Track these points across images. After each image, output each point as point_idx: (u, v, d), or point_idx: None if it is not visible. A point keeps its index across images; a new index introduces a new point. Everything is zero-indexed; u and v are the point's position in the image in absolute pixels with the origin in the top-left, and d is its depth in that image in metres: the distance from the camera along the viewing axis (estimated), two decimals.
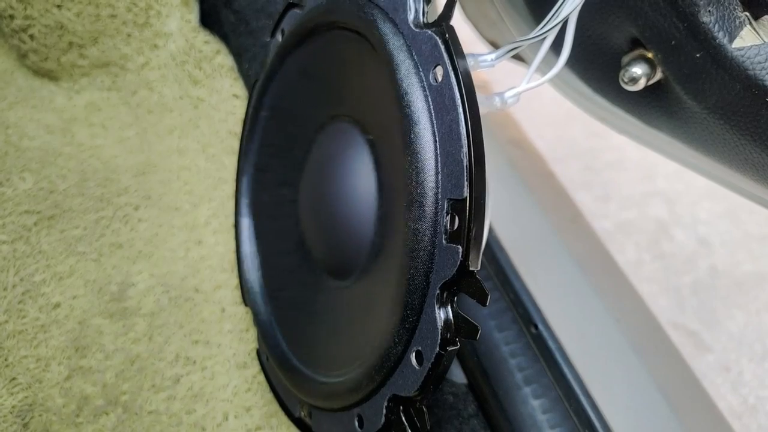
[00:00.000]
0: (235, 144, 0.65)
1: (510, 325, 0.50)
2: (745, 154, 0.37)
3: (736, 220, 1.14)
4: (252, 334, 0.56)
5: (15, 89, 0.69)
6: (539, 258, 0.57)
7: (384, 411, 0.35)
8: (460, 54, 0.32)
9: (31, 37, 0.67)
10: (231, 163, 0.65)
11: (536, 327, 0.51)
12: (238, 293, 0.58)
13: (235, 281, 0.59)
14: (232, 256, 0.60)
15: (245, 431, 0.51)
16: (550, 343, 0.49)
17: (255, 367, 0.55)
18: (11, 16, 0.66)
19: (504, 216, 0.59)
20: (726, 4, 0.33)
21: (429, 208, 0.32)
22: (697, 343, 1.00)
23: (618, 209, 1.16)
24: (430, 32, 0.33)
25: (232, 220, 0.62)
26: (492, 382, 0.48)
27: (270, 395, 0.52)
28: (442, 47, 0.32)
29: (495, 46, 0.65)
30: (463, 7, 0.65)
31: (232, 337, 0.56)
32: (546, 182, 0.68)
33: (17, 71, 0.71)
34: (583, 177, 1.20)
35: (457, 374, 0.52)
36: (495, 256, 0.54)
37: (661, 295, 1.05)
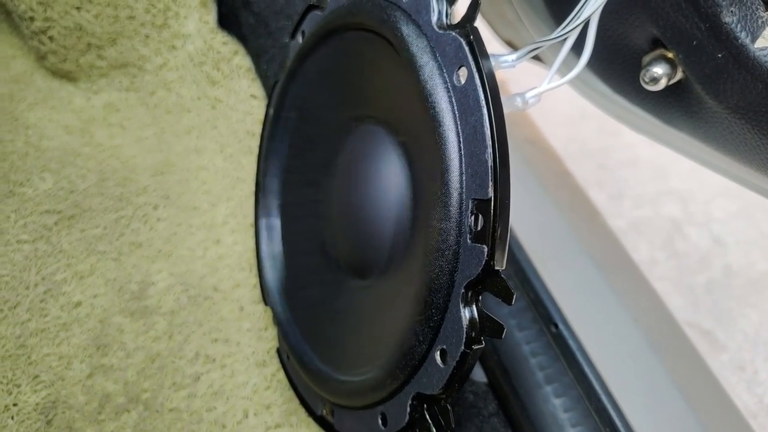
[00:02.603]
0: (253, 144, 0.66)
1: (530, 324, 0.51)
2: (767, 153, 0.37)
3: (751, 218, 1.13)
4: (270, 333, 0.57)
5: (34, 90, 0.70)
6: (558, 257, 0.57)
7: (408, 409, 0.36)
8: (485, 55, 0.33)
9: (51, 38, 0.67)
10: (248, 162, 0.66)
11: (556, 326, 0.51)
12: (256, 292, 0.58)
13: (254, 280, 0.59)
14: (251, 255, 0.61)
15: (265, 429, 0.52)
16: (571, 342, 0.49)
17: (274, 366, 0.55)
18: (31, 18, 0.67)
19: (522, 215, 0.59)
20: (748, 4, 0.33)
21: (454, 208, 0.33)
22: (711, 342, 0.99)
23: (631, 208, 1.16)
24: (454, 34, 0.34)
25: (250, 219, 0.63)
26: (513, 380, 0.49)
27: (289, 393, 0.53)
28: (467, 49, 0.33)
29: (511, 45, 0.65)
30: None
31: (251, 335, 0.57)
32: (562, 181, 0.68)
33: (36, 72, 0.72)
34: (596, 176, 1.20)
35: (477, 373, 0.52)
36: (514, 255, 0.55)
37: (675, 294, 1.05)
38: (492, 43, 0.68)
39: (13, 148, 0.63)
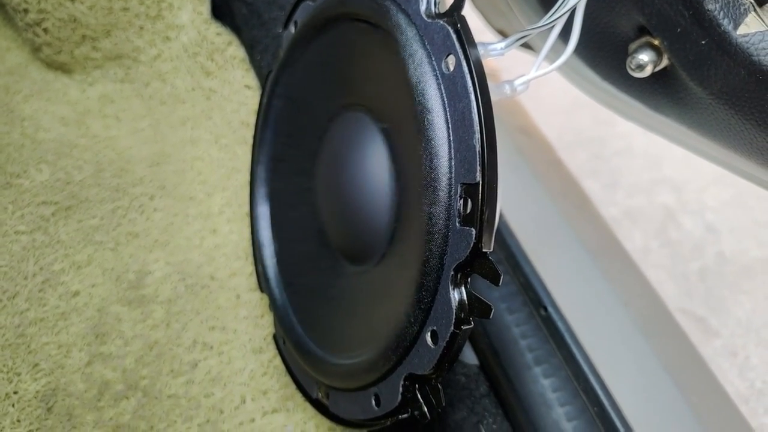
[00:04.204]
0: (248, 134, 0.66)
1: (520, 308, 0.52)
2: (750, 138, 0.37)
3: (744, 206, 1.14)
4: (267, 320, 0.57)
5: (29, 82, 0.70)
6: (548, 243, 0.58)
7: (400, 389, 0.36)
8: (472, 43, 0.33)
9: (45, 30, 0.68)
10: (243, 153, 0.66)
11: (546, 309, 0.52)
12: (252, 280, 0.59)
13: (250, 268, 0.60)
14: (246, 244, 0.61)
15: (262, 414, 0.53)
16: (560, 325, 0.50)
17: (270, 352, 0.56)
18: (25, 10, 0.67)
19: (514, 202, 0.60)
20: None
21: (443, 193, 0.33)
22: (704, 328, 1.00)
23: (625, 196, 1.17)
24: (442, 22, 0.34)
25: (245, 209, 0.63)
26: (503, 362, 0.49)
27: (286, 379, 0.54)
28: (454, 37, 0.33)
29: (504, 35, 0.66)
30: None
31: (247, 323, 0.57)
32: (554, 169, 0.69)
33: (31, 65, 0.72)
34: (591, 165, 1.21)
35: (468, 355, 0.53)
36: (505, 241, 0.55)
37: (669, 282, 1.06)
38: (485, 33, 0.69)
39: (9, 140, 0.64)
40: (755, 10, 0.34)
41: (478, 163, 0.32)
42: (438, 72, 0.34)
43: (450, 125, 0.34)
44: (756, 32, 0.34)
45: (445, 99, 0.34)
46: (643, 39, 0.40)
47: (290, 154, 0.52)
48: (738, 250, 1.09)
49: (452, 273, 0.33)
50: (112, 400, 0.52)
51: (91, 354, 0.54)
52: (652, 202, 1.16)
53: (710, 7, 0.34)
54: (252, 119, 0.66)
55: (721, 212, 1.14)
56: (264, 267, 0.52)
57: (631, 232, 1.12)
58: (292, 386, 0.52)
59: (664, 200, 1.17)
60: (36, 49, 0.70)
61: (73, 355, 0.54)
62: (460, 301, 0.33)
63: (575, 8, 0.36)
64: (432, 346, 0.34)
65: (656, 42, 0.39)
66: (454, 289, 0.33)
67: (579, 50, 0.45)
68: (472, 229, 0.32)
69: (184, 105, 0.69)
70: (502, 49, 0.38)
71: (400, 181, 0.40)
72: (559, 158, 0.72)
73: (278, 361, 0.55)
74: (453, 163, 0.33)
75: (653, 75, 0.40)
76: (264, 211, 0.53)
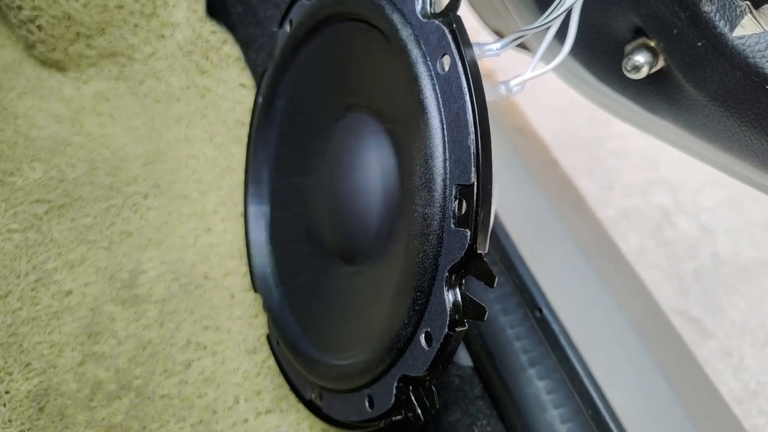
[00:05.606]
0: (243, 133, 0.66)
1: (515, 309, 0.52)
2: (746, 140, 0.37)
3: (739, 207, 1.14)
4: (261, 320, 0.57)
5: (23, 80, 0.70)
6: (543, 244, 0.57)
7: (394, 391, 0.36)
8: (467, 44, 0.33)
9: (39, 27, 0.67)
10: (238, 152, 0.66)
11: (540, 311, 0.52)
12: (247, 280, 0.59)
13: (244, 268, 0.60)
14: (241, 243, 0.61)
15: (256, 414, 0.52)
16: (554, 326, 0.50)
17: (264, 352, 0.56)
18: (19, 7, 0.67)
19: (509, 203, 0.60)
20: None
21: (438, 194, 0.33)
22: (699, 329, 1.01)
23: (621, 197, 1.17)
24: (437, 22, 0.34)
25: (240, 208, 0.63)
26: (497, 364, 0.49)
27: (280, 380, 0.54)
28: (450, 37, 0.33)
29: (500, 35, 0.66)
30: None
31: (241, 323, 0.57)
32: (550, 170, 0.69)
33: (25, 62, 0.71)
34: (587, 165, 1.21)
35: (463, 357, 0.53)
36: (500, 242, 0.55)
37: (664, 282, 1.06)
38: (481, 33, 0.69)
39: (3, 138, 0.64)
40: (751, 12, 0.34)
41: (472, 164, 0.32)
42: (433, 72, 0.34)
43: (445, 126, 0.33)
44: (752, 34, 0.33)
45: (440, 99, 0.34)
46: (639, 40, 0.39)
47: (286, 153, 0.52)
48: (733, 251, 1.09)
49: (447, 274, 0.33)
50: (105, 400, 0.52)
51: (83, 353, 0.54)
52: (647, 203, 1.16)
53: (707, 8, 0.34)
54: (247, 118, 0.66)
55: (717, 213, 1.14)
56: (258, 267, 0.52)
57: (627, 232, 1.12)
58: (286, 387, 0.52)
59: (659, 201, 1.17)
60: (30, 47, 0.70)
61: (65, 355, 0.53)
62: (455, 303, 0.33)
63: (571, 9, 0.36)
64: (426, 348, 0.34)
65: (652, 43, 0.39)
66: (448, 290, 0.33)
67: (575, 51, 0.44)
68: (467, 230, 0.32)
69: (179, 103, 0.69)
70: (497, 49, 0.38)
71: (396, 181, 0.39)
72: (555, 159, 0.72)
73: (272, 361, 0.55)
74: (448, 164, 0.33)
75: (649, 76, 0.40)
76: (258, 210, 0.53)
